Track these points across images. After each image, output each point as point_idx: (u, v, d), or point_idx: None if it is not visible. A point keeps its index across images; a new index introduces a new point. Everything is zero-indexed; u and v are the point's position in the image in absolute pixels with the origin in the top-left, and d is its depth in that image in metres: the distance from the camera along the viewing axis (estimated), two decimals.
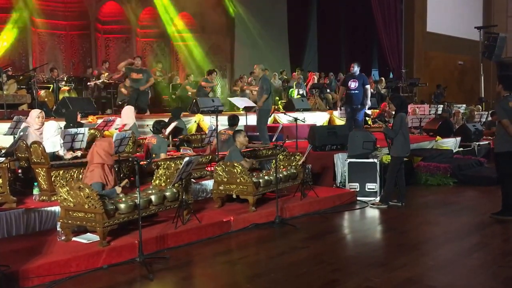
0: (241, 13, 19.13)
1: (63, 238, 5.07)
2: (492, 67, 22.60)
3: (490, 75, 21.99)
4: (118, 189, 5.61)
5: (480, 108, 17.45)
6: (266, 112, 9.55)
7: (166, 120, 8.71)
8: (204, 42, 18.57)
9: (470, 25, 21.06)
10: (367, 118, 13.64)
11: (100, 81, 12.79)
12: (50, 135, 6.21)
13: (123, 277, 4.57)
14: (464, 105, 17.94)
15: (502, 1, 23.82)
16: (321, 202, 7.27)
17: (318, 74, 17.63)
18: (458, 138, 11.74)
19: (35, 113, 7.00)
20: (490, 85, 21.15)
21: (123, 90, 12.00)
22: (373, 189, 7.83)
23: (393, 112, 7.62)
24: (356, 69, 10.55)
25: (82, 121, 8.99)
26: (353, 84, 10.42)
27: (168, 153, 7.58)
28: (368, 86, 10.61)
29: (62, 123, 7.67)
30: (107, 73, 13.53)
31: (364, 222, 6.97)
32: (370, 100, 10.97)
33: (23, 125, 7.35)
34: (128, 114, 8.85)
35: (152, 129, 7.65)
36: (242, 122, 11.29)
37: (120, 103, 11.79)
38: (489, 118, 14.83)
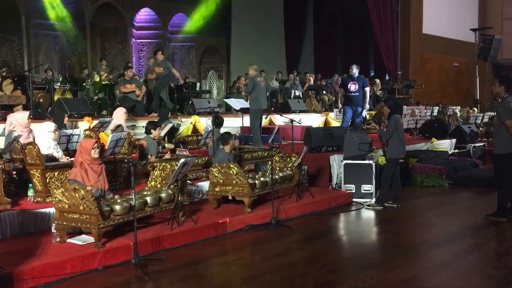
0: (237, 15, 19.14)
1: (58, 239, 5.05)
2: (488, 69, 22.69)
3: (486, 77, 22.07)
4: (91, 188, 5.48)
5: (476, 110, 17.51)
6: (254, 113, 9.56)
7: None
8: (200, 43, 18.59)
9: (466, 27, 21.15)
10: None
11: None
12: (41, 136, 6.20)
13: (118, 279, 4.55)
14: (459, 107, 18.00)
15: (498, 3, 23.92)
16: (317, 204, 7.28)
17: (314, 76, 17.65)
18: (454, 140, 11.77)
19: (20, 114, 6.93)
20: (485, 87, 21.22)
21: (117, 92, 11.98)
22: (369, 190, 7.84)
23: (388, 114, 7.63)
24: (355, 71, 10.53)
25: (74, 122, 9.00)
26: (353, 87, 10.41)
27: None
28: (367, 89, 10.63)
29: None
30: (106, 74, 13.50)
31: (360, 223, 6.98)
32: (364, 102, 10.99)
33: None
34: (117, 115, 8.80)
35: (144, 130, 7.69)
36: (238, 123, 11.33)
37: (118, 104, 11.77)
38: (485, 120, 14.90)
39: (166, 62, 11.89)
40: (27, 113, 6.93)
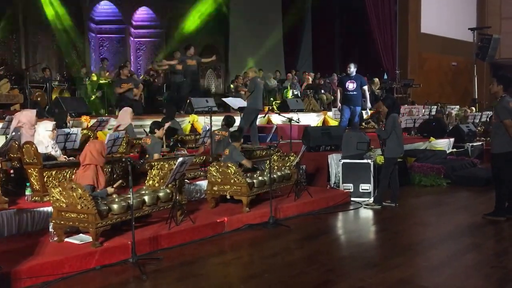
0: (235, 14, 19.11)
1: (55, 239, 5.04)
2: (486, 69, 22.70)
3: (484, 76, 22.09)
4: (110, 190, 5.55)
5: (474, 109, 17.53)
6: (250, 111, 9.59)
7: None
8: (198, 42, 18.54)
9: (464, 27, 21.15)
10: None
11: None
12: (40, 136, 6.19)
13: (116, 278, 4.55)
14: (458, 106, 18.01)
15: (496, 3, 23.93)
16: (315, 203, 7.28)
17: (312, 75, 17.64)
18: (452, 139, 11.78)
19: (29, 113, 6.94)
20: (483, 86, 21.25)
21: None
22: (367, 189, 7.84)
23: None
24: (352, 69, 10.51)
25: (75, 121, 8.99)
26: (351, 85, 10.41)
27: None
28: (365, 87, 10.58)
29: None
30: (108, 73, 13.49)
31: (358, 222, 6.98)
32: (364, 101, 10.97)
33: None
34: (123, 115, 8.81)
35: (149, 130, 7.69)
36: (237, 122, 11.31)
37: (114, 103, 11.78)
38: (483, 119, 14.91)
39: (197, 56, 12.43)
40: (34, 111, 6.94)
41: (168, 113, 9.49)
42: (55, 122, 6.86)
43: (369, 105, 10.78)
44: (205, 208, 6.61)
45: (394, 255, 5.25)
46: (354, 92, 10.38)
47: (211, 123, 8.26)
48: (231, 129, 8.40)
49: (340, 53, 21.62)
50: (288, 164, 7.48)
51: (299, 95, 15.75)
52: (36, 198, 5.84)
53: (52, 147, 6.36)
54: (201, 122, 10.90)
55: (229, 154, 7.03)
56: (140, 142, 7.78)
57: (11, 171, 6.52)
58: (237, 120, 11.26)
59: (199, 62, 12.25)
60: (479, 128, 13.91)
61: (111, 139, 6.56)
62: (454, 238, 6.00)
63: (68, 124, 8.67)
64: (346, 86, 10.48)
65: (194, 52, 12.32)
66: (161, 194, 5.68)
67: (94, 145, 5.57)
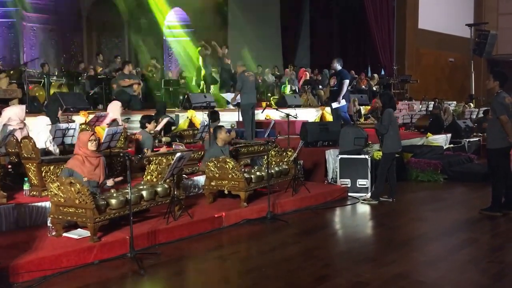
0: (234, 9, 19.08)
1: (53, 233, 5.05)
2: (483, 64, 22.74)
3: (481, 72, 22.12)
4: (110, 182, 5.50)
5: (471, 105, 17.57)
6: (244, 108, 9.68)
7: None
8: (196, 38, 18.52)
9: (461, 22, 21.18)
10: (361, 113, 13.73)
11: None
12: (38, 130, 6.18)
13: (114, 273, 4.56)
14: (455, 102, 18.05)
15: None
16: (313, 198, 7.30)
17: (310, 71, 17.63)
18: (449, 135, 11.82)
19: (18, 108, 6.91)
20: (480, 82, 21.29)
21: (114, 86, 11.95)
22: (364, 185, 7.86)
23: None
24: (335, 65, 10.37)
25: (69, 116, 8.99)
26: (332, 81, 10.44)
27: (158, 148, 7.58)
28: (345, 81, 10.21)
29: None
30: (101, 68, 13.46)
31: (355, 218, 7.01)
32: (362, 96, 10.98)
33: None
34: (113, 109, 8.78)
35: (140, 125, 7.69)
36: (235, 118, 11.33)
37: (114, 97, 11.75)
38: (480, 115, 14.93)
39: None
40: (24, 107, 6.93)
41: (159, 108, 9.48)
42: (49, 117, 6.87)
43: (340, 99, 10.31)
44: (203, 203, 6.62)
45: (391, 250, 5.28)
46: (334, 88, 10.35)
47: (209, 118, 8.26)
48: (218, 124, 8.38)
49: (338, 49, 21.61)
50: (285, 159, 7.50)
51: (297, 90, 15.74)
52: (34, 193, 5.85)
53: (50, 142, 6.37)
54: (199, 117, 10.90)
55: (207, 151, 7.05)
56: (134, 137, 7.78)
57: (9, 166, 6.52)
58: (232, 115, 11.34)
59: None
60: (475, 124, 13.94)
61: (110, 134, 6.56)
62: (450, 233, 6.03)
63: (60, 119, 8.66)
64: (330, 81, 10.60)
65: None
66: (159, 189, 5.69)
67: (79, 136, 5.67)
